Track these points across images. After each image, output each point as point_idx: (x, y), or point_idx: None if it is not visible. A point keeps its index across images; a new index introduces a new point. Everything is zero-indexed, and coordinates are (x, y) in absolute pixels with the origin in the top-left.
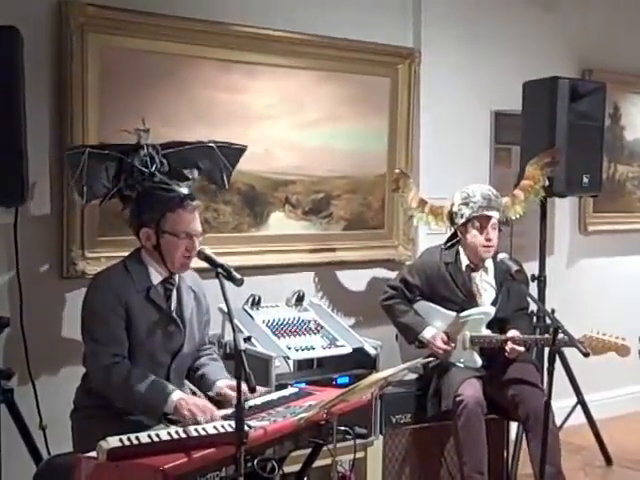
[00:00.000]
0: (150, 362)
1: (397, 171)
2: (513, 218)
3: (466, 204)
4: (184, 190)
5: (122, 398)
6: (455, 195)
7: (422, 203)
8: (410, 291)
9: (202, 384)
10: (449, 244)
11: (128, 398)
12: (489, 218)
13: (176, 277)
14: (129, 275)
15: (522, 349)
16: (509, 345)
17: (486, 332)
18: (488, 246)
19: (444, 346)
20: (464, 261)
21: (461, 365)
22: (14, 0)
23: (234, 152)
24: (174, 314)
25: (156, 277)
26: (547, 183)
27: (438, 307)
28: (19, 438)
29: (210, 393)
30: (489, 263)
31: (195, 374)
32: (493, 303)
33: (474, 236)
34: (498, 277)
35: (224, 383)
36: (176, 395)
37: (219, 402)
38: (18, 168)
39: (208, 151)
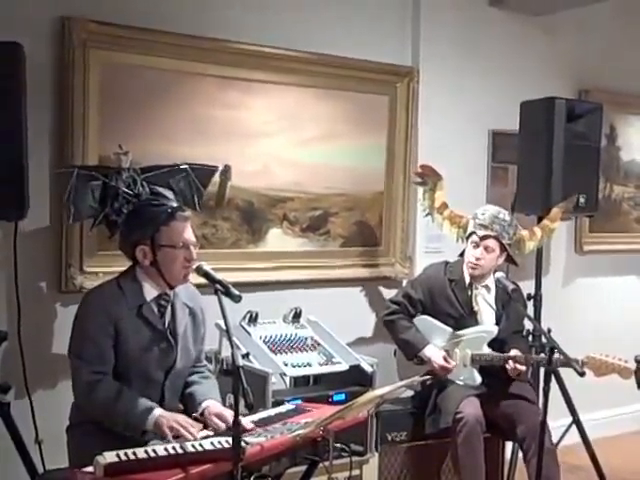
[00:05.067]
0: (144, 380)
1: (426, 165)
2: (525, 252)
3: (474, 219)
4: (173, 203)
5: (103, 414)
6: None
7: (444, 206)
8: (413, 306)
9: (189, 403)
10: (455, 260)
11: (109, 415)
12: (483, 238)
13: (171, 293)
14: (121, 292)
15: (524, 368)
16: (511, 364)
17: (487, 351)
18: (474, 264)
19: (445, 363)
20: (467, 278)
21: (460, 383)
22: (17, 16)
23: (206, 173)
24: (166, 331)
25: (150, 293)
26: (558, 226)
27: (438, 323)
28: (15, 452)
29: (195, 414)
30: (491, 283)
31: (184, 392)
32: (497, 323)
33: (468, 251)
34: (499, 297)
35: (210, 404)
36: (157, 412)
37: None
38: (19, 183)
39: (182, 173)
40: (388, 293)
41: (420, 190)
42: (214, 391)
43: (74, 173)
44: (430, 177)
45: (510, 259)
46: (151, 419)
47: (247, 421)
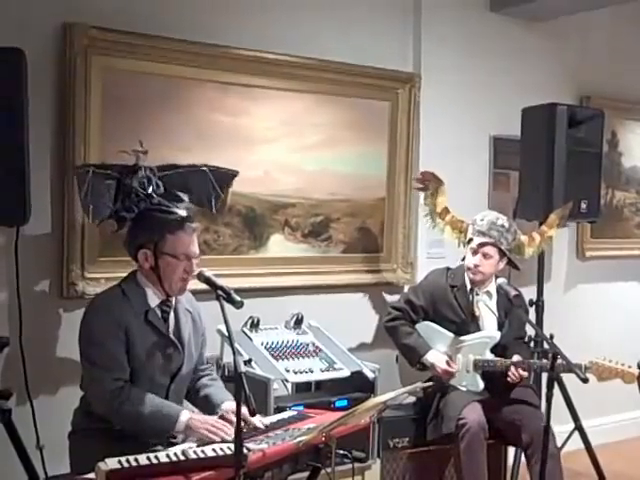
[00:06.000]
0: (149, 384)
1: (427, 171)
2: (526, 257)
3: (472, 225)
4: (183, 212)
5: (129, 422)
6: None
7: (445, 212)
8: (415, 312)
9: (206, 406)
10: (456, 266)
11: (136, 422)
12: (481, 245)
13: (173, 299)
14: (127, 298)
15: (526, 374)
16: (513, 370)
17: (490, 356)
18: (474, 270)
19: (448, 367)
20: (468, 284)
21: (463, 388)
22: (19, 22)
23: (225, 176)
24: (172, 336)
25: (153, 300)
26: (555, 233)
27: (440, 329)
28: (16, 458)
29: (214, 416)
30: (493, 288)
31: (197, 395)
32: (499, 329)
33: (468, 257)
34: (501, 303)
35: (229, 406)
36: (184, 415)
37: None
38: (20, 188)
39: (201, 174)
40: (390, 299)
41: (422, 196)
42: (227, 394)
43: (90, 172)
44: (431, 183)
45: (511, 263)
46: (180, 423)
47: (258, 420)
